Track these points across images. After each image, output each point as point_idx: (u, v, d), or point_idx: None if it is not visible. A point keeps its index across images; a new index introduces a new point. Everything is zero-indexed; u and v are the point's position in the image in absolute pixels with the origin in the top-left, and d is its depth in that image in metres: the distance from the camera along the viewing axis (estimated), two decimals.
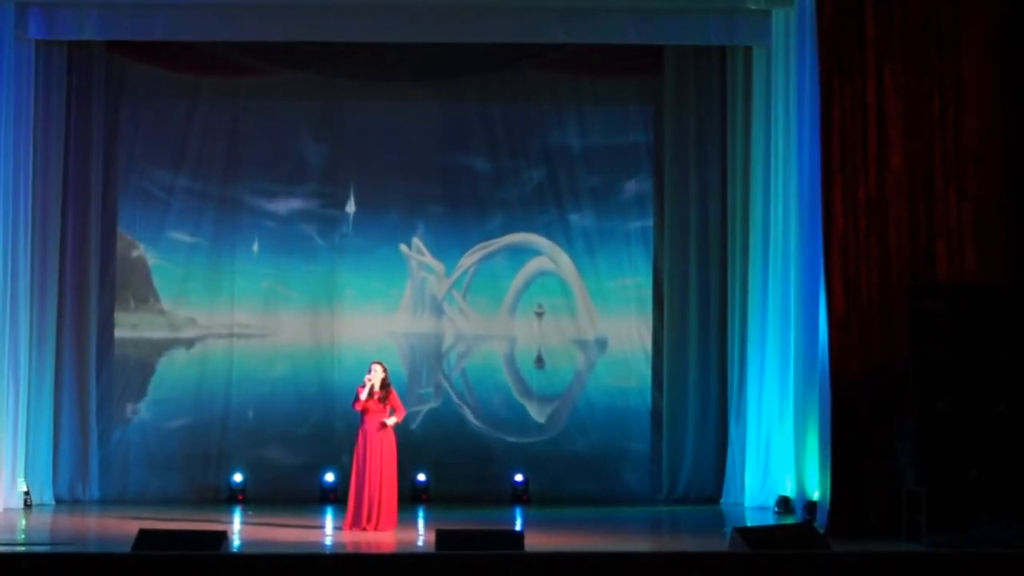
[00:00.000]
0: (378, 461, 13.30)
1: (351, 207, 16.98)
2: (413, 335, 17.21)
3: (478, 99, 17.06)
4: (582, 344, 17.15)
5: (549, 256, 17.26)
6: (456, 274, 17.25)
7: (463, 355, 17.29)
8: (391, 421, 13.48)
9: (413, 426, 16.34)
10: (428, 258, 17.24)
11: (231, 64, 16.65)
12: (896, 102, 13.39)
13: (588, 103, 17.05)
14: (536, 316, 17.26)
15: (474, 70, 16.84)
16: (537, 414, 17.05)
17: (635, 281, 17.04)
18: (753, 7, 15.02)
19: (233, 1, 15.14)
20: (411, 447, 16.06)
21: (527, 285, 17.29)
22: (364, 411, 13.38)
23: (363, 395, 13.34)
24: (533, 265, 17.32)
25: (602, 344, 17.11)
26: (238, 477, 16.27)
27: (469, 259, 17.28)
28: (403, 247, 17.19)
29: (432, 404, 16.89)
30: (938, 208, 13.30)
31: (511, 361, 17.23)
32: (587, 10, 15.26)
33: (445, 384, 17.03)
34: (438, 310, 17.25)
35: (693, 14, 15.39)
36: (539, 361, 17.21)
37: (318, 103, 16.98)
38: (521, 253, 17.27)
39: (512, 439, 16.90)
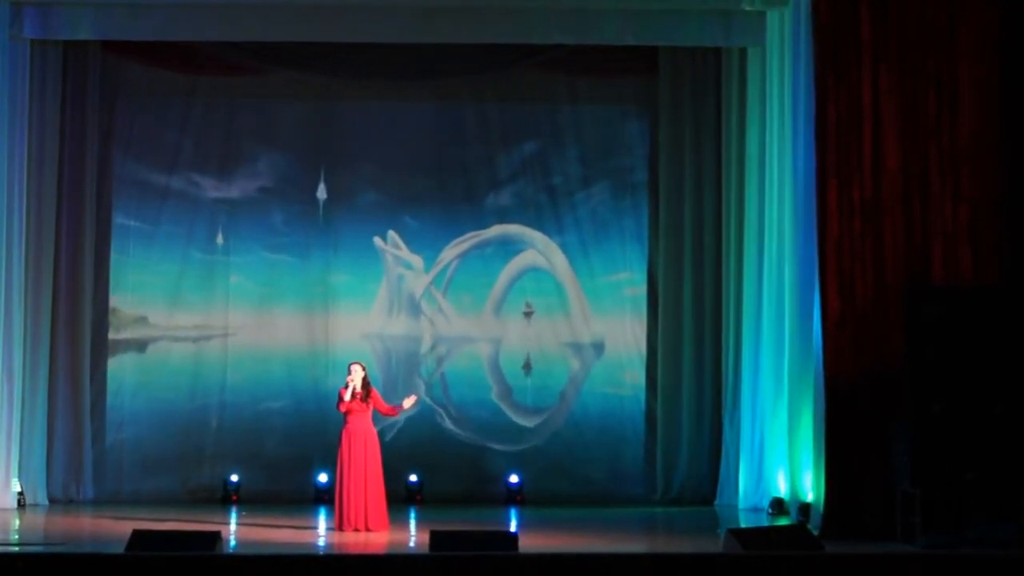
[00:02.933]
0: (361, 462, 13.29)
1: (342, 202, 16.90)
2: (388, 337, 16.92)
3: (474, 99, 17.01)
4: (576, 348, 16.94)
5: (539, 251, 17.01)
6: (436, 269, 17.02)
7: (443, 359, 16.93)
8: (409, 403, 13.70)
9: (388, 438, 16.14)
10: (405, 252, 17.02)
11: (226, 64, 16.64)
12: (891, 103, 13.38)
13: (583, 104, 17.02)
14: (524, 316, 17.10)
15: (470, 71, 16.81)
16: (525, 424, 16.81)
17: (630, 282, 16.97)
18: (748, 8, 15.01)
19: (228, 1, 15.12)
20: (404, 448, 16.07)
21: (514, 282, 17.10)
22: (347, 412, 13.39)
23: (346, 396, 13.35)
24: (521, 260, 17.08)
25: (599, 348, 16.89)
26: (233, 477, 16.26)
27: (450, 253, 17.04)
28: (377, 240, 17.01)
29: (409, 412, 15.46)
30: (933, 209, 13.29)
31: (496, 366, 16.94)
32: (582, 11, 15.25)
33: (423, 390, 16.73)
34: (415, 309, 17.06)
35: (688, 15, 15.37)
36: (527, 366, 17.00)
37: (313, 103, 16.95)
38: (508, 247, 17.02)
39: (499, 447, 16.73)
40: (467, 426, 16.79)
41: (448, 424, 16.77)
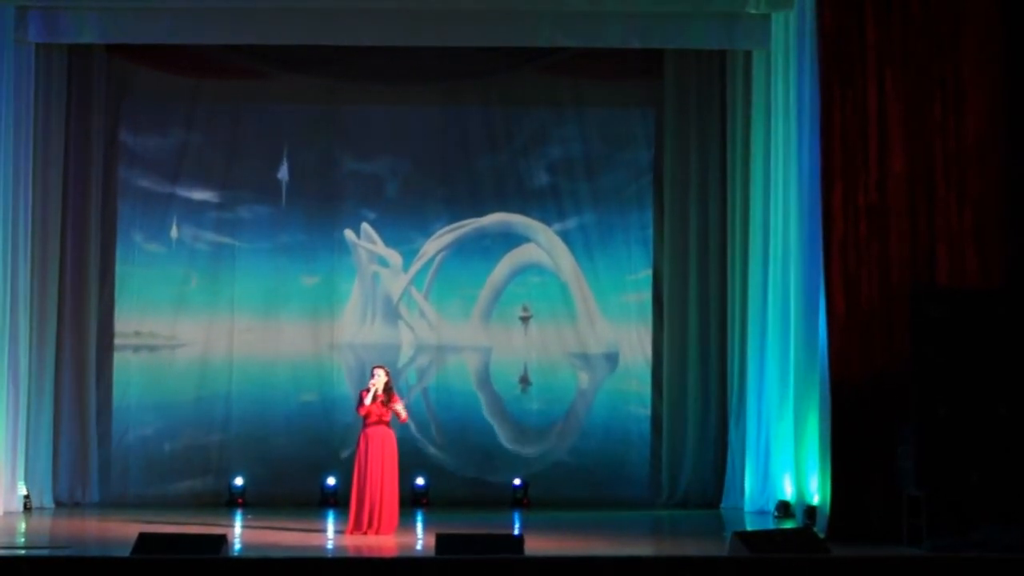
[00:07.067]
0: (379, 465, 13.28)
1: (351, 206, 16.82)
2: (360, 346, 16.66)
3: (479, 103, 16.99)
4: (584, 359, 16.69)
5: (541, 246, 16.76)
6: (416, 266, 16.77)
7: (425, 371, 16.62)
8: (400, 407, 13.40)
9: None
10: (380, 247, 16.78)
11: (231, 68, 16.67)
12: (897, 106, 13.39)
13: (589, 107, 17.00)
14: (521, 321, 16.92)
15: (475, 74, 16.80)
16: (521, 448, 16.56)
17: (635, 285, 16.87)
18: (753, 11, 14.99)
19: (233, 5, 15.13)
20: (409, 450, 16.00)
21: (509, 281, 16.89)
22: (367, 415, 13.38)
23: (367, 399, 13.35)
24: (518, 255, 16.82)
25: (611, 359, 16.56)
26: (239, 480, 16.25)
27: (432, 245, 16.79)
28: (349, 233, 16.76)
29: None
30: (939, 212, 13.30)
31: (486, 379, 16.66)
32: (588, 14, 15.24)
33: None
34: (392, 314, 16.89)
35: (693, 18, 15.35)
36: (525, 380, 16.79)
37: (318, 107, 16.95)
38: (502, 240, 16.79)
39: (493, 480, 16.42)
40: (456, 454, 16.45)
41: (433, 451, 16.44)
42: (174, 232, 16.64)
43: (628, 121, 17.04)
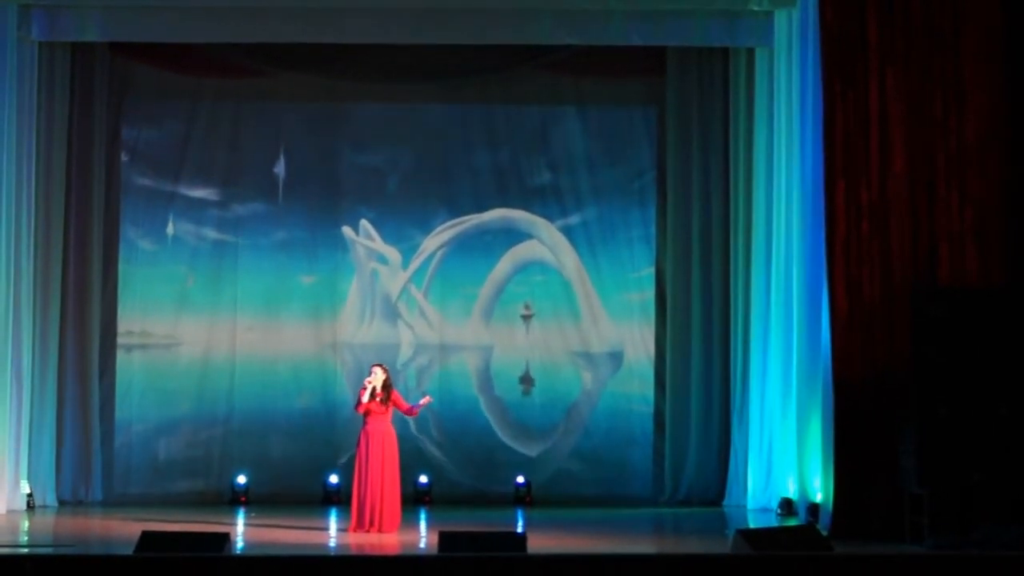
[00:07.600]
0: (379, 463, 13.30)
1: (351, 206, 16.80)
2: (359, 346, 16.60)
3: (481, 101, 16.95)
4: (587, 358, 16.65)
5: (541, 241, 16.65)
6: (415, 263, 16.70)
7: (424, 371, 16.54)
8: (424, 402, 13.58)
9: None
10: (379, 244, 16.73)
11: (233, 66, 16.67)
12: (898, 105, 13.40)
13: (591, 104, 16.97)
14: (523, 320, 16.90)
15: (477, 72, 16.79)
16: (524, 447, 16.46)
17: (638, 283, 16.86)
18: (755, 8, 15.01)
19: (235, 3, 15.15)
20: (413, 449, 16.00)
21: (511, 278, 16.78)
22: (366, 413, 13.39)
23: (364, 397, 13.36)
24: (520, 252, 16.72)
25: (616, 358, 16.49)
26: (241, 479, 16.26)
27: (432, 242, 16.69)
28: (347, 230, 16.71)
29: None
30: (940, 211, 13.31)
31: (487, 379, 16.60)
32: (590, 12, 15.25)
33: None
34: (391, 312, 16.86)
35: (695, 15, 15.37)
36: (527, 380, 16.77)
37: (318, 104, 16.93)
38: (503, 236, 16.70)
39: (496, 488, 16.31)
40: (458, 454, 16.41)
41: (435, 451, 16.43)
42: (172, 229, 16.59)
43: (630, 119, 17.00)
